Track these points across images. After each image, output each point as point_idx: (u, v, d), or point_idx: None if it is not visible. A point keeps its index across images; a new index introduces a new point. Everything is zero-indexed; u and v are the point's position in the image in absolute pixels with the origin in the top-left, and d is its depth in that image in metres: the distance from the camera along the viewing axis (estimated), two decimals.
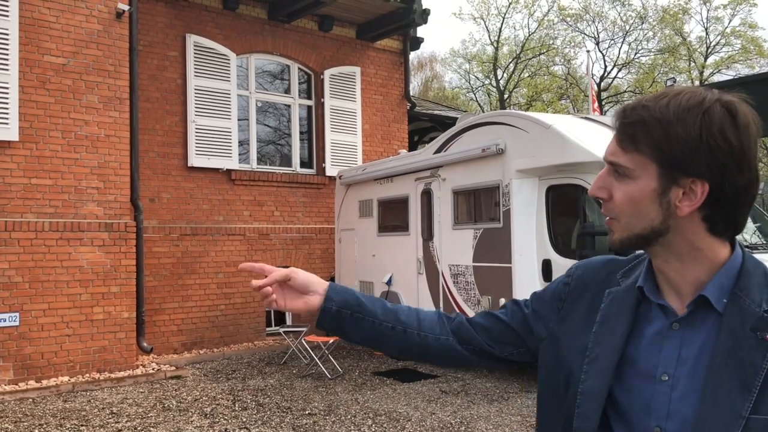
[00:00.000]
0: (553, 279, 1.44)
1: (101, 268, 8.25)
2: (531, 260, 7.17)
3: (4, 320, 7.58)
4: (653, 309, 1.19)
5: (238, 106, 10.71)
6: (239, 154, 10.68)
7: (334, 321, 1.40)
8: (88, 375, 8.05)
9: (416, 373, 8.36)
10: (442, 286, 8.34)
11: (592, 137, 6.91)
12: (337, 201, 10.97)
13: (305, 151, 11.68)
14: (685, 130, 1.08)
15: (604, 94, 30.93)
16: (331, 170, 11.44)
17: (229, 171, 10.43)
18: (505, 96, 32.16)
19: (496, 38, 32.15)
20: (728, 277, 1.14)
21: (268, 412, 6.60)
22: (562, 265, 6.80)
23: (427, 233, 8.70)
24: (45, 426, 6.22)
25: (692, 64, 30.02)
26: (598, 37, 31.41)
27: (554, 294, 1.36)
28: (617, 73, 31.68)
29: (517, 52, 31.64)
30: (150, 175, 9.65)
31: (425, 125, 14.98)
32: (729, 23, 29.76)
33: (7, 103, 7.67)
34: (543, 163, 7.05)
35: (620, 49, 37.52)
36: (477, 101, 35.26)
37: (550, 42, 31.44)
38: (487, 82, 34.21)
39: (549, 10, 32.00)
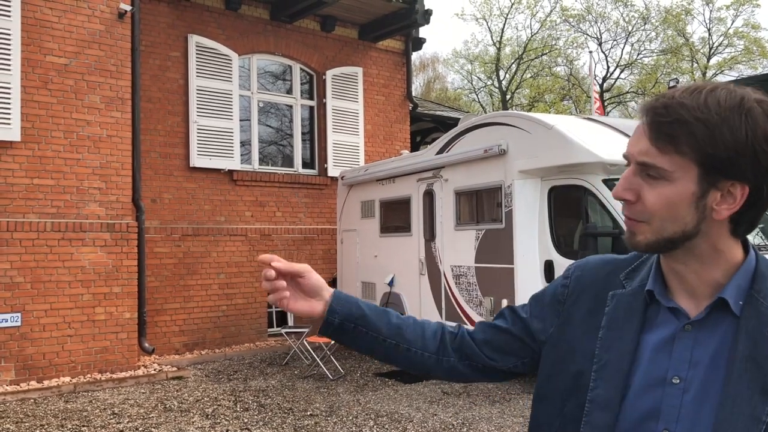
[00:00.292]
0: (559, 277, 1.39)
1: (103, 268, 8.24)
2: (533, 261, 7.16)
3: (6, 320, 7.58)
4: (661, 312, 1.17)
5: (240, 106, 10.70)
6: (241, 155, 10.68)
7: (337, 333, 1.37)
8: (89, 375, 8.05)
9: None
10: (444, 287, 8.32)
11: (594, 138, 6.89)
12: (339, 202, 10.95)
13: (307, 152, 11.67)
14: (732, 133, 1.03)
15: (606, 95, 30.91)
16: (333, 171, 11.44)
17: (230, 171, 10.42)
18: (508, 97, 32.14)
19: (498, 39, 32.17)
20: (745, 278, 1.12)
21: (270, 413, 6.59)
22: (564, 266, 6.76)
23: (429, 234, 8.68)
24: (46, 426, 6.21)
25: (695, 64, 29.99)
26: (601, 37, 31.41)
27: (553, 296, 1.33)
28: (620, 74, 31.69)
29: (520, 53, 31.63)
30: (152, 175, 9.65)
31: (427, 126, 14.97)
32: (732, 24, 29.76)
33: (9, 104, 7.67)
34: (545, 164, 7.03)
35: (623, 49, 37.45)
36: (479, 102, 35.25)
37: (553, 43, 31.44)
38: (489, 82, 34.21)
39: (551, 11, 31.99)
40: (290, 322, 11.21)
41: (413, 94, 13.14)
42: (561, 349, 1.25)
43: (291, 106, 11.49)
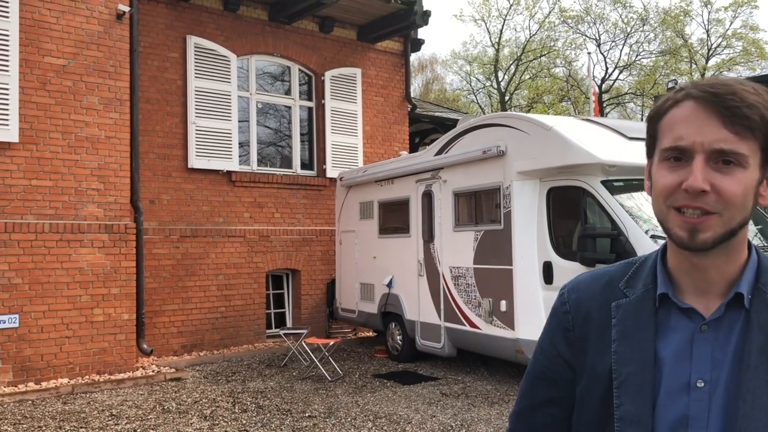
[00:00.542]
0: (555, 304, 1.31)
1: (101, 269, 8.23)
2: (532, 262, 7.15)
3: (4, 322, 7.57)
4: (673, 315, 1.14)
5: (239, 107, 10.70)
6: (239, 156, 10.67)
7: None
8: (87, 377, 8.03)
9: (417, 375, 8.34)
10: (443, 288, 8.32)
11: (593, 139, 6.89)
12: (338, 203, 10.95)
13: (306, 153, 11.67)
14: None
15: (605, 96, 30.94)
16: (331, 172, 11.43)
17: (229, 173, 10.41)
18: (506, 98, 32.15)
19: (497, 40, 32.18)
20: (752, 272, 1.12)
21: (268, 415, 6.58)
22: (562, 268, 6.78)
23: (428, 235, 8.68)
24: (44, 428, 6.20)
25: (693, 66, 30.01)
26: (600, 38, 31.44)
27: (559, 327, 1.26)
28: (618, 75, 31.71)
29: (518, 54, 31.65)
30: (150, 176, 9.64)
31: (426, 127, 14.97)
32: (730, 25, 29.80)
33: (7, 105, 7.66)
34: (544, 165, 7.03)
35: (621, 51, 37.66)
36: (478, 103, 35.27)
37: (551, 44, 31.46)
38: (488, 84, 34.23)
39: (550, 12, 31.98)
40: (289, 323, 11.21)
41: (412, 95, 13.14)
42: (583, 376, 1.20)
43: (289, 107, 11.49)
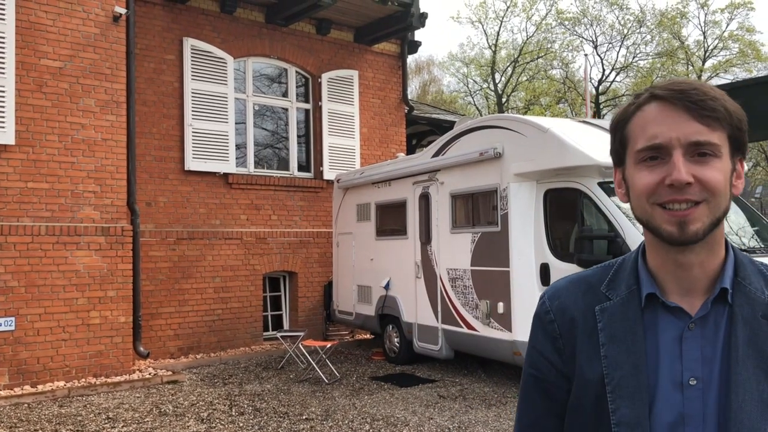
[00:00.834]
0: (537, 313, 1.30)
1: (98, 272, 8.21)
2: (529, 264, 7.15)
3: (0, 325, 7.54)
4: (660, 315, 1.14)
5: (236, 109, 10.69)
6: (236, 158, 10.66)
7: None
8: (84, 380, 8.01)
9: (414, 377, 8.33)
10: (440, 290, 8.31)
11: (590, 141, 6.89)
12: (335, 205, 10.94)
13: (303, 155, 11.66)
14: (740, 110, 1.12)
15: (602, 98, 30.99)
16: (328, 174, 11.42)
17: (226, 175, 10.40)
18: (503, 99, 32.19)
19: (494, 42, 32.22)
20: (731, 267, 1.14)
21: (265, 417, 6.57)
22: (560, 269, 6.77)
23: (425, 237, 8.68)
24: (40, 431, 6.18)
25: (690, 67, 30.07)
26: (596, 40, 31.49)
27: (546, 336, 1.25)
28: (615, 77, 31.76)
29: (515, 56, 31.68)
30: (147, 178, 9.63)
31: (423, 129, 14.97)
32: (727, 27, 29.87)
33: (3, 107, 7.64)
34: (541, 167, 7.03)
35: (618, 52, 37.69)
36: (475, 105, 35.30)
37: (548, 46, 31.50)
38: (485, 85, 34.27)
39: (547, 14, 32.09)
40: (286, 325, 11.20)
41: (409, 97, 13.14)
42: (575, 384, 1.19)
43: (286, 109, 11.48)
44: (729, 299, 1.11)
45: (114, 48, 8.51)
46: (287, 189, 11.11)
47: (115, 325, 8.32)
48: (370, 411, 6.74)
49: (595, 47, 31.39)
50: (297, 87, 11.60)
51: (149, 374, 8.44)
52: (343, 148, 11.76)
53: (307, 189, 11.35)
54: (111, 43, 8.49)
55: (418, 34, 13.04)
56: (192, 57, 10.13)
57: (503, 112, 30.10)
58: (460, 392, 7.47)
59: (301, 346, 8.77)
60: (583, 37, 31.63)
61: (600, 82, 31.14)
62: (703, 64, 30.04)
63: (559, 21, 31.04)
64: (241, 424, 6.33)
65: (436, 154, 8.56)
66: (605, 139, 6.89)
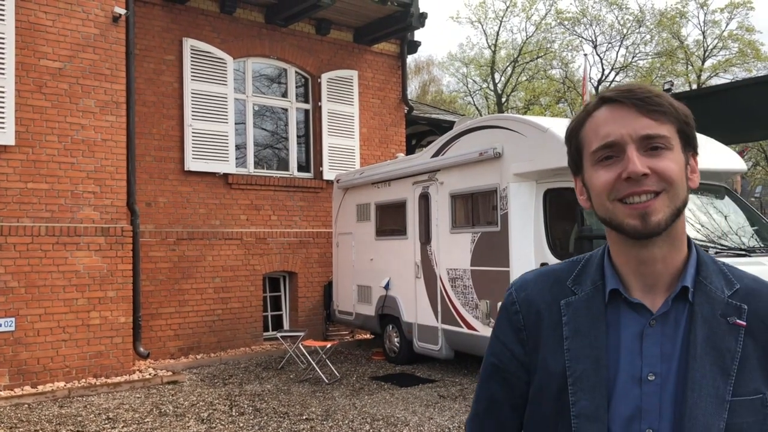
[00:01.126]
0: (503, 304, 1.32)
1: (98, 272, 8.21)
2: (528, 264, 7.15)
3: (0, 325, 7.55)
4: (622, 311, 1.16)
5: (235, 110, 10.69)
6: (236, 158, 10.66)
7: None
8: (84, 380, 8.01)
9: (414, 377, 8.33)
10: (440, 290, 8.32)
11: None
12: (335, 205, 10.95)
13: (302, 155, 11.66)
14: (684, 107, 1.16)
15: None
16: (328, 174, 11.43)
17: (226, 175, 10.40)
18: (503, 99, 32.20)
19: (493, 42, 32.22)
20: (693, 267, 1.17)
21: (266, 417, 6.57)
22: None
23: (425, 237, 8.68)
24: (41, 431, 6.18)
25: (690, 67, 30.09)
26: (596, 40, 31.50)
27: (510, 327, 1.27)
28: (615, 77, 31.75)
29: (515, 56, 31.69)
30: (146, 179, 9.63)
31: (423, 129, 14.97)
32: (726, 27, 29.86)
33: (3, 108, 7.64)
34: (540, 167, 7.03)
35: (618, 52, 37.66)
36: (474, 105, 35.30)
37: (548, 45, 31.51)
38: (484, 85, 34.27)
39: (546, 14, 32.10)
40: (286, 326, 11.20)
41: (408, 97, 13.15)
42: (536, 375, 1.22)
43: (286, 110, 11.48)
44: (690, 297, 1.14)
45: (114, 48, 8.51)
46: (287, 189, 11.12)
47: (115, 326, 8.32)
48: (370, 411, 6.74)
49: (595, 47, 31.43)
50: (296, 87, 11.60)
51: (149, 374, 8.44)
52: (342, 149, 11.76)
53: (307, 189, 11.35)
54: (111, 43, 8.49)
55: (418, 34, 13.05)
56: (192, 57, 10.13)
57: (503, 112, 30.11)
58: (460, 392, 7.48)
59: (301, 346, 8.77)
60: (582, 37, 31.68)
61: (599, 81, 31.15)
62: (703, 64, 30.05)
63: (558, 21, 31.06)
64: (242, 425, 6.34)
65: (436, 154, 8.56)
66: None
